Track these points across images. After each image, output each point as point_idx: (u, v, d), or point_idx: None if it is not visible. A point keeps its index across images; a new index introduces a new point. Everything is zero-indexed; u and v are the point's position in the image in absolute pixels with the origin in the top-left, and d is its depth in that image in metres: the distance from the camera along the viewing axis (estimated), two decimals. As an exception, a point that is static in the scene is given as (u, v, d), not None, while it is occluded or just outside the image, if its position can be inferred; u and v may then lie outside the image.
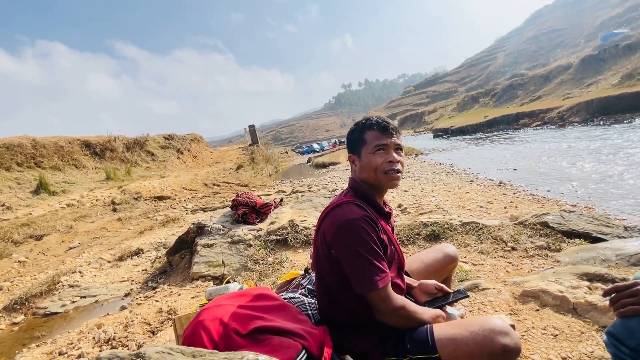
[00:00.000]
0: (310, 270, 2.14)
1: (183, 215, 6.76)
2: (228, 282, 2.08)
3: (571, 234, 2.69)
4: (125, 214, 7.25)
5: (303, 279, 1.58)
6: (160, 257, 4.18)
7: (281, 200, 4.61)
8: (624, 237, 2.61)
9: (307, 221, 3.65)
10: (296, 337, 0.89)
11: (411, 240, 3.01)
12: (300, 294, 1.43)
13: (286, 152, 43.26)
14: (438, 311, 1.06)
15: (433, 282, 1.24)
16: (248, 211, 3.96)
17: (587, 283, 1.85)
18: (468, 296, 1.24)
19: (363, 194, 1.07)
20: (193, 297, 2.88)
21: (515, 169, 7.41)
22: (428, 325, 0.99)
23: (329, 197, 4.38)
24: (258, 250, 3.38)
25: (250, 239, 3.58)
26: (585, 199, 4.45)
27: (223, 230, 3.79)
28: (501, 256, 2.54)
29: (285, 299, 1.27)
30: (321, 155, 23.39)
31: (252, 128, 24.04)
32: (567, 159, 7.69)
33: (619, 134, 10.39)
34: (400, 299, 1.00)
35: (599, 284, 1.84)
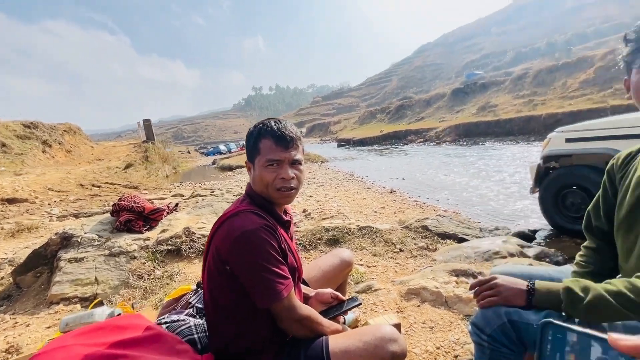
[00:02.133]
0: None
1: (44, 223, 5.43)
2: (98, 304, 1.71)
3: (444, 236, 3.16)
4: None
5: (194, 294, 1.40)
6: (2, 278, 3.22)
7: (176, 205, 4.14)
8: (480, 237, 3.20)
9: (205, 228, 3.35)
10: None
11: (313, 245, 3.07)
12: (187, 314, 1.25)
13: (188, 152, 39.83)
14: (338, 326, 1.05)
15: (329, 291, 1.25)
16: (133, 217, 3.42)
17: (455, 278, 2.18)
18: (361, 304, 1.28)
19: (260, 203, 0.99)
20: (49, 327, 2.29)
21: (403, 179, 8.46)
22: (323, 337, 0.97)
23: (232, 202, 4.14)
24: (144, 263, 2.93)
25: (135, 250, 3.09)
26: (454, 205, 5.35)
27: (99, 241, 3.17)
28: (391, 257, 2.80)
29: (166, 323, 1.08)
30: (228, 157, 22.30)
31: (147, 123, 21.31)
32: (442, 171, 9.19)
33: (476, 152, 13.00)
34: (306, 309, 0.96)
35: (463, 278, 2.19)
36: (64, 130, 17.20)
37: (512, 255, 2.61)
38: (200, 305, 1.29)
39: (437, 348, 1.59)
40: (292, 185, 0.97)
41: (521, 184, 6.20)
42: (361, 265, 2.63)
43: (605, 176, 1.02)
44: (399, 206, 5.12)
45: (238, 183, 9.60)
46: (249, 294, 0.91)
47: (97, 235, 3.26)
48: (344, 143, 32.66)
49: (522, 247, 2.79)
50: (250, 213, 0.94)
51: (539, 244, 3.34)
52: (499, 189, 6.19)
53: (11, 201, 7.41)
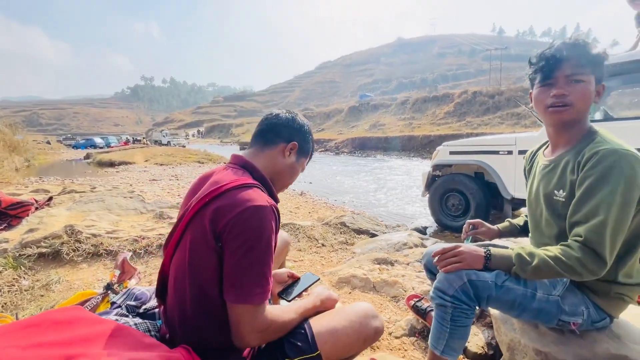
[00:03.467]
0: (117, 286, 1.58)
1: None
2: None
3: (359, 231, 3.42)
4: None
5: (119, 295, 1.12)
6: None
7: (50, 199, 3.29)
8: (387, 232, 3.59)
9: (97, 226, 2.74)
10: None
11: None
12: (116, 314, 1.00)
13: (48, 143, 32.04)
14: (310, 301, 1.00)
15: (285, 270, 1.20)
16: (-19, 213, 2.54)
17: (378, 266, 2.37)
18: (319, 279, 1.28)
19: (265, 183, 0.89)
20: None
21: (310, 182, 8.80)
22: (305, 323, 0.91)
23: (132, 197, 3.52)
24: (1, 271, 2.20)
25: (-16, 255, 2.30)
26: (358, 206, 5.85)
27: None
28: (315, 252, 2.87)
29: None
30: (108, 152, 18.85)
31: (-16, 99, 16.19)
32: (344, 177, 9.95)
33: (369, 163, 14.58)
34: (270, 314, 0.82)
35: (384, 265, 2.40)
36: None
37: (416, 245, 3.01)
38: (132, 303, 1.05)
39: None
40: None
41: (407, 190, 7.24)
42: (288, 260, 2.60)
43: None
44: (311, 207, 5.29)
45: (127, 181, 8.20)
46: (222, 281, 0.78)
47: None
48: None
49: (422, 239, 3.25)
50: (259, 189, 0.83)
51: (430, 237, 3.95)
52: (392, 194, 7.08)
53: None
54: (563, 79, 0.97)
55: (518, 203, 3.84)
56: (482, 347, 1.54)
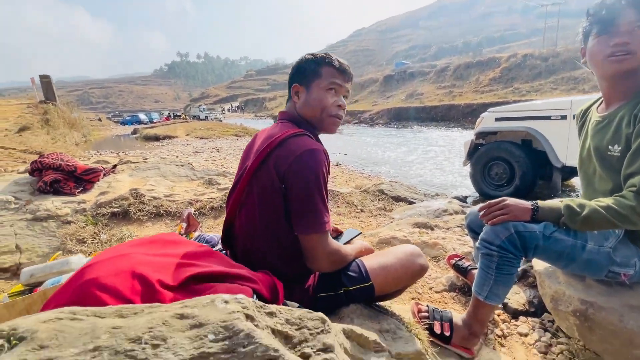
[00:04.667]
0: (184, 237, 1.80)
1: None
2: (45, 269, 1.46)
3: (398, 199, 3.46)
4: None
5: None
6: None
7: (114, 166, 3.66)
8: (425, 200, 3.58)
9: (156, 190, 3.05)
10: (244, 280, 0.72)
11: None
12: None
13: (99, 120, 34.58)
14: (356, 245, 1.11)
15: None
16: (62, 178, 2.92)
17: (418, 229, 2.43)
18: (361, 232, 1.38)
19: (308, 130, 0.99)
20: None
21: (345, 154, 8.82)
22: (358, 260, 1.03)
23: (183, 166, 3.81)
24: (84, 227, 2.56)
25: (68, 213, 2.67)
26: (395, 177, 5.82)
27: (16, 204, 2.66)
28: (354, 217, 2.97)
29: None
30: (152, 127, 20.05)
31: (45, 79, 17.66)
32: (379, 149, 9.82)
33: (406, 134, 14.16)
34: (334, 243, 0.97)
35: (424, 230, 2.45)
36: None
37: (456, 212, 3.00)
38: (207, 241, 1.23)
39: (418, 294, 1.79)
40: (342, 115, 1.03)
41: (446, 161, 7.03)
42: (329, 223, 2.73)
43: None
44: (348, 176, 5.36)
45: (172, 153, 8.79)
46: (291, 217, 0.90)
47: (12, 197, 2.72)
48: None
49: (462, 207, 3.22)
50: (309, 137, 0.94)
51: (471, 205, 3.89)
52: (430, 165, 6.92)
53: None
54: (625, 26, 0.91)
55: (568, 172, 3.62)
56: (523, 305, 1.58)
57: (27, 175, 3.04)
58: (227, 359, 0.41)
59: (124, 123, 35.15)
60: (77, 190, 2.98)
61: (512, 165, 3.91)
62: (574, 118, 3.41)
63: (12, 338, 0.37)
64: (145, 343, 0.39)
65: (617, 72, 0.97)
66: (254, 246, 0.97)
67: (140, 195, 2.90)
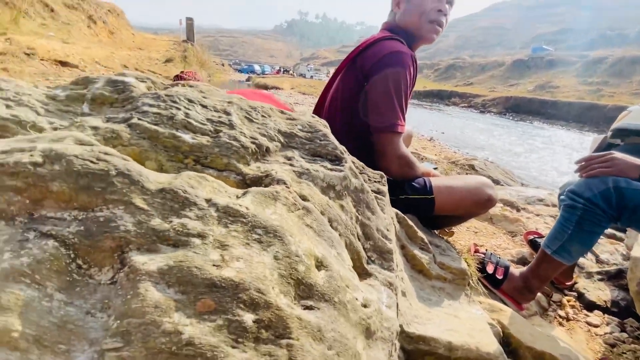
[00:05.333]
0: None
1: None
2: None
3: (489, 179, 3.20)
4: (13, 67, 5.72)
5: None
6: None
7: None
8: (522, 187, 3.22)
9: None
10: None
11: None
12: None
13: (222, 65, 39.16)
14: (428, 168, 1.15)
15: None
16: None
17: (502, 205, 2.26)
18: (437, 167, 1.39)
19: (403, 38, 1.02)
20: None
21: (443, 132, 8.26)
22: (425, 177, 1.06)
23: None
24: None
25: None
26: (494, 161, 5.28)
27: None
28: (435, 167, 2.90)
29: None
30: (263, 78, 21.89)
31: (189, 21, 20.57)
32: (483, 134, 8.87)
33: (521, 128, 12.32)
34: (405, 148, 1.01)
35: (507, 207, 2.27)
36: (109, 11, 16.87)
37: (554, 205, 2.64)
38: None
39: (480, 246, 1.73)
40: (443, 20, 1.02)
41: (562, 162, 5.98)
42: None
43: None
44: (439, 150, 5.10)
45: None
46: (368, 114, 0.96)
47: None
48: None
49: (565, 204, 2.81)
50: (398, 41, 0.97)
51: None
52: (540, 161, 6.01)
53: (64, 64, 7.67)
54: None
55: None
56: (605, 302, 1.40)
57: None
58: (307, 142, 0.55)
59: (240, 71, 39.09)
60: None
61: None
62: None
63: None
64: (258, 112, 0.56)
65: None
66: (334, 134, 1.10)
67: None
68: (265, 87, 16.12)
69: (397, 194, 1.03)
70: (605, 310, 1.38)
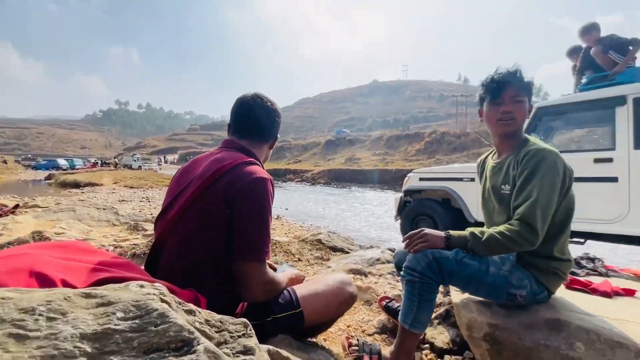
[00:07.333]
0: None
1: None
2: None
3: (334, 249, 3.52)
4: None
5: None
6: None
7: (16, 206, 3.15)
8: (360, 250, 3.71)
9: (66, 234, 2.66)
10: (163, 288, 0.67)
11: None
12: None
13: (4, 162, 29.99)
14: (290, 273, 1.12)
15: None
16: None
17: (352, 275, 2.48)
18: (294, 267, 1.39)
19: (258, 161, 1.04)
20: None
21: (287, 209, 8.85)
22: (289, 287, 1.02)
23: (105, 209, 3.43)
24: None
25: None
26: (334, 229, 5.96)
27: None
28: (291, 265, 2.91)
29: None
30: (73, 174, 17.92)
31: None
32: (320, 205, 10.09)
33: (344, 193, 14.89)
34: (270, 272, 0.96)
35: (358, 276, 2.51)
36: None
37: (388, 261, 3.13)
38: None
39: (348, 326, 1.78)
40: None
41: (380, 218, 7.48)
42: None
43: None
44: (287, 228, 5.33)
45: (92, 200, 7.85)
46: (232, 243, 0.88)
47: None
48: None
49: (393, 256, 3.40)
50: (260, 166, 0.98)
51: (402, 258, 4.11)
52: (364, 221, 7.28)
53: None
54: (509, 99, 1.21)
55: (481, 226, 4.13)
56: (448, 343, 1.66)
57: None
58: (135, 337, 0.38)
59: (37, 168, 31.06)
60: (-42, 232, 2.47)
61: (435, 220, 4.33)
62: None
63: None
64: (40, 315, 0.35)
65: (505, 132, 1.25)
66: (185, 272, 0.91)
67: (45, 238, 2.50)
68: (76, 185, 13.16)
69: (264, 316, 0.94)
70: (450, 351, 1.62)
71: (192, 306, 0.54)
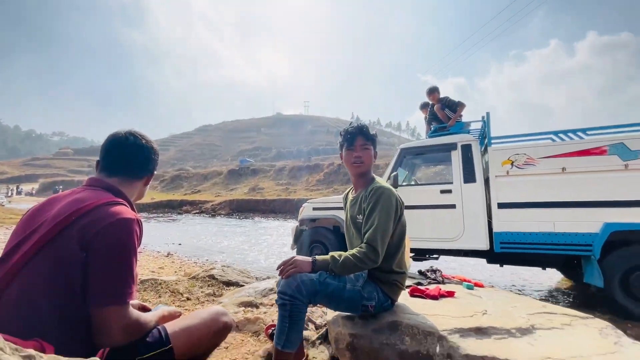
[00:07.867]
0: None
1: None
2: None
3: (229, 283, 3.43)
4: None
5: None
6: None
7: None
8: (255, 282, 3.70)
9: None
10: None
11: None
12: None
13: None
14: (162, 311, 1.10)
15: (136, 302, 1.26)
16: None
17: (243, 308, 2.48)
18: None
19: (129, 203, 1.02)
20: None
21: (180, 244, 8.10)
22: (160, 326, 1.01)
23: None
24: None
25: None
26: (231, 263, 5.74)
27: None
28: (178, 306, 2.72)
29: None
30: None
31: None
32: (217, 238, 9.57)
33: (247, 224, 14.53)
34: (134, 313, 0.93)
35: (249, 308, 2.52)
36: None
37: (282, 291, 3.24)
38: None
39: (233, 360, 1.78)
40: None
41: (280, 248, 7.60)
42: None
43: None
44: (178, 266, 4.90)
45: None
46: (88, 288, 0.85)
47: None
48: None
49: (288, 285, 3.52)
50: (125, 206, 0.95)
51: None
52: (264, 251, 7.27)
53: None
54: (359, 147, 1.53)
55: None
56: (326, 360, 1.83)
57: None
58: None
59: None
60: None
61: (327, 247, 4.68)
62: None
63: None
64: None
65: (357, 172, 1.55)
66: (27, 324, 0.82)
67: None
68: None
69: (131, 358, 0.91)
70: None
71: (31, 351, 0.54)
